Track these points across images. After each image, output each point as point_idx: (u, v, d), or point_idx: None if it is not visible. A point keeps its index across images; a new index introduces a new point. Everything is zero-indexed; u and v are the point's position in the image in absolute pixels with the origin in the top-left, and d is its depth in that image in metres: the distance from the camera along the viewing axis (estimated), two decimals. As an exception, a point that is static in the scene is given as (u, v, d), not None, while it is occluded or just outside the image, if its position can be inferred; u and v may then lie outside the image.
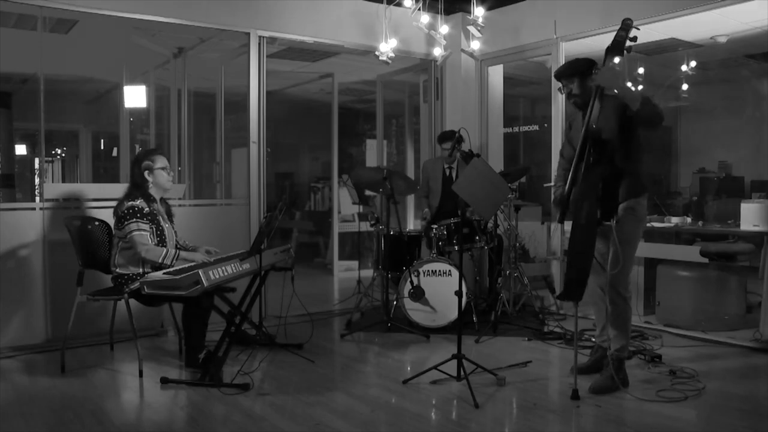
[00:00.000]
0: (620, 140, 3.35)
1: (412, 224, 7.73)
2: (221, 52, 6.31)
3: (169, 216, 4.17)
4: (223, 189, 6.32)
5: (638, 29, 3.37)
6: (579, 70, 3.57)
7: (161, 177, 4.03)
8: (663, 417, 3.13)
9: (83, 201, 4.62)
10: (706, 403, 3.34)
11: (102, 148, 10.28)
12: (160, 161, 4.04)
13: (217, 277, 3.49)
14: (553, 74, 4.10)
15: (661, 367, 3.91)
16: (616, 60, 3.34)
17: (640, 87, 7.20)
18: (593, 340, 4.17)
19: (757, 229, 4.54)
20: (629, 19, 3.37)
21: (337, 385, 3.72)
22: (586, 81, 3.53)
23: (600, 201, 3.26)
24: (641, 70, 7.09)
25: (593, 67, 3.51)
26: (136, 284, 3.69)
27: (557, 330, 4.83)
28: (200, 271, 3.36)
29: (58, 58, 6.11)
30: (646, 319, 5.04)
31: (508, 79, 6.72)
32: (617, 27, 3.40)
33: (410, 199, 7.81)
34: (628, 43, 3.35)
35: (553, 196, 3.90)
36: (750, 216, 4.59)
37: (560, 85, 3.70)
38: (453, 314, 4.64)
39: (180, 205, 4.88)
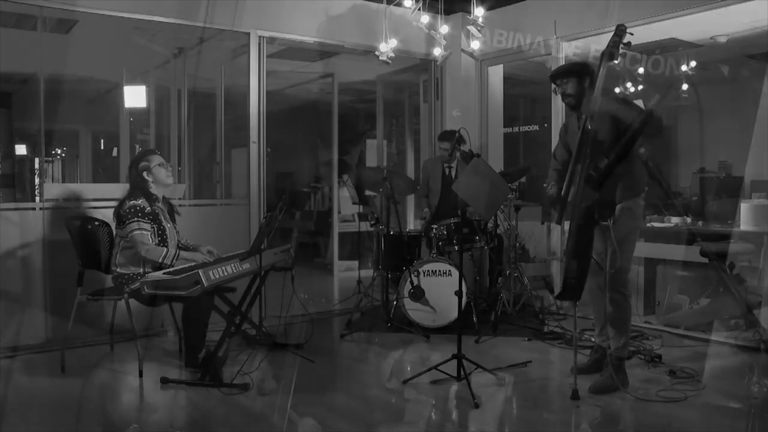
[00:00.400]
0: (617, 141, 3.37)
1: (412, 224, 7.73)
2: (221, 52, 6.31)
3: (172, 216, 4.17)
4: (223, 189, 6.31)
5: (632, 34, 3.44)
6: (574, 70, 3.63)
7: (160, 173, 4.03)
8: (663, 417, 3.14)
9: (83, 201, 4.62)
10: (706, 403, 3.34)
11: (102, 148, 10.29)
12: (156, 159, 4.04)
13: (217, 277, 3.49)
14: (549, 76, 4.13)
15: (661, 367, 3.91)
16: (614, 62, 3.39)
17: (640, 99, 7.20)
18: (593, 340, 4.17)
19: (757, 229, 4.53)
20: (623, 25, 3.46)
21: (337, 385, 3.72)
22: (581, 82, 3.58)
23: (597, 201, 3.28)
24: (641, 71, 7.08)
25: (588, 69, 3.57)
26: (136, 284, 3.69)
27: (557, 330, 4.83)
28: (200, 271, 3.36)
29: (58, 58, 6.09)
30: (646, 319, 5.04)
31: (508, 79, 6.72)
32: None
33: (410, 199, 7.81)
34: (622, 48, 3.42)
35: (548, 192, 3.92)
36: (750, 216, 4.59)
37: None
38: (453, 314, 4.64)
39: (180, 205, 4.86)
